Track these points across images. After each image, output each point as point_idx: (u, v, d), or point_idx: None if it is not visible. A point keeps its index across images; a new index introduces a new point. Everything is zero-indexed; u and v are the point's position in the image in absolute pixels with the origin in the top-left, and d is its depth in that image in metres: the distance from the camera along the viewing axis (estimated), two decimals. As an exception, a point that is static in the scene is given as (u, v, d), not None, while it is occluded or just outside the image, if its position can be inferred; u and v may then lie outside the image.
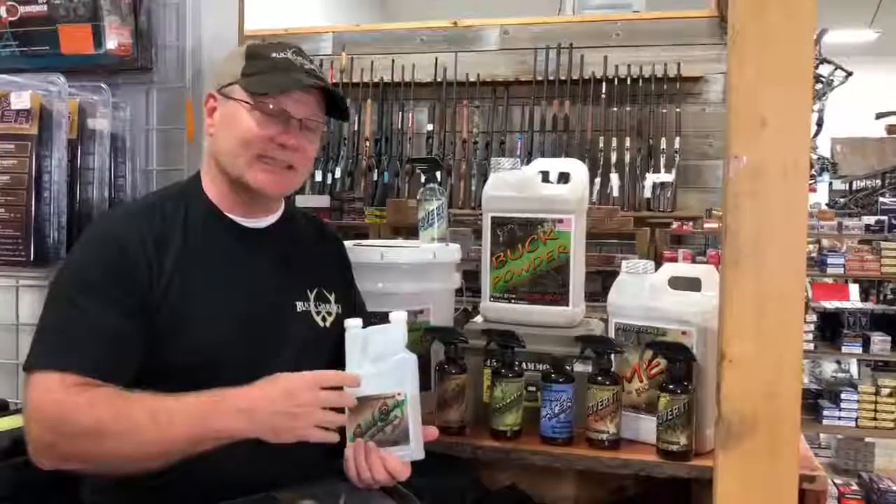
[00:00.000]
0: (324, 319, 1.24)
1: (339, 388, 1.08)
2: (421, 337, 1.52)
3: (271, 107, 1.13)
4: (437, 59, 4.58)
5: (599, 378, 1.38)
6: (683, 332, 1.37)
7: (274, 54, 1.15)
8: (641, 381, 1.42)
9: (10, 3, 1.37)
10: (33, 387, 1.00)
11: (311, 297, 1.23)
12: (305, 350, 1.20)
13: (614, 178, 4.27)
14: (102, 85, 1.37)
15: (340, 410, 1.09)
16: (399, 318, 1.16)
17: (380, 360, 1.14)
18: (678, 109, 4.29)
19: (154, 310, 1.07)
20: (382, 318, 1.20)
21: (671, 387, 1.33)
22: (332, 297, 1.26)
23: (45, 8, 1.35)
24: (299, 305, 1.21)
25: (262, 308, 1.16)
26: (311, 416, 1.03)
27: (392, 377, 1.13)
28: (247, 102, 1.13)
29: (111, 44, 1.34)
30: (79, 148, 1.34)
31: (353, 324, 1.18)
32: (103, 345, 1.03)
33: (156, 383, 1.03)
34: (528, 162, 1.67)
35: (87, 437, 0.97)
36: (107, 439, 0.97)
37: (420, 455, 1.13)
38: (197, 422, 0.99)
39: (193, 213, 1.15)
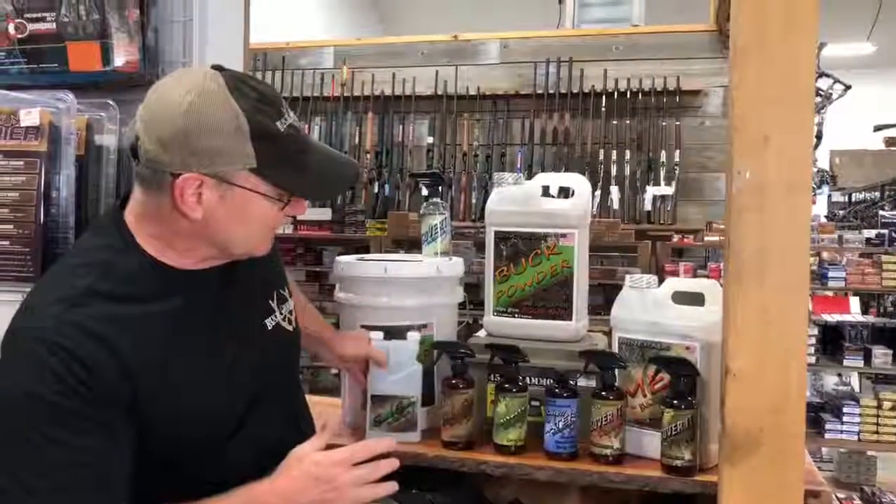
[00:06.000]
0: (290, 322, 1.19)
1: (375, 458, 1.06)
2: (427, 351, 1.53)
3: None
4: (437, 72, 4.61)
5: (603, 393, 1.38)
6: (687, 347, 1.37)
7: (278, 124, 0.98)
8: (645, 396, 1.42)
9: (19, 20, 1.38)
10: None
11: (275, 305, 1.16)
12: (290, 361, 1.21)
13: (615, 190, 4.29)
14: (110, 102, 1.38)
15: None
16: (414, 337, 1.47)
17: (398, 369, 1.43)
18: (678, 122, 4.32)
19: (135, 412, 0.94)
20: (396, 331, 1.47)
21: (675, 402, 1.33)
22: (286, 293, 1.21)
23: (53, 25, 1.36)
24: (269, 323, 1.14)
25: (246, 353, 1.08)
26: (346, 498, 1.02)
27: (407, 383, 1.44)
28: (277, 200, 1.00)
29: (119, 61, 1.35)
30: (87, 164, 1.35)
31: (376, 337, 1.45)
32: (94, 475, 0.91)
33: (158, 462, 0.98)
34: (529, 175, 1.68)
35: None
36: None
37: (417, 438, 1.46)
38: None
39: (141, 280, 0.99)
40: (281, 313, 1.17)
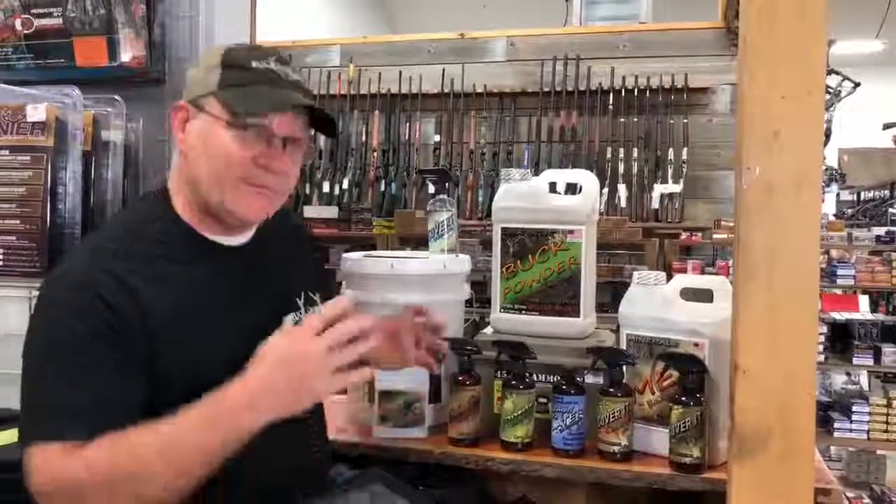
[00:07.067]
0: None
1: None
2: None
3: (253, 124, 1.01)
4: (444, 70, 4.60)
5: (611, 390, 1.38)
6: (696, 344, 1.36)
7: (255, 63, 1.03)
8: (653, 393, 1.41)
9: (26, 16, 1.38)
10: (33, 464, 0.92)
11: (301, 303, 1.17)
12: None
13: (622, 188, 4.27)
14: (116, 97, 1.38)
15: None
16: None
17: None
18: (685, 120, 4.29)
19: (149, 360, 0.97)
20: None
21: (683, 399, 1.32)
22: (317, 298, 1.21)
23: (60, 21, 1.37)
24: (290, 319, 1.13)
25: (259, 337, 1.05)
26: (324, 368, 0.95)
27: (416, 379, 1.44)
28: (225, 120, 1.01)
29: (125, 56, 1.35)
30: (93, 159, 1.35)
31: None
32: (107, 412, 0.93)
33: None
34: (536, 172, 1.68)
35: (101, 496, 0.91)
36: (119, 491, 0.91)
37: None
38: (204, 438, 0.93)
39: (171, 243, 1.04)
40: (305, 314, 1.16)
